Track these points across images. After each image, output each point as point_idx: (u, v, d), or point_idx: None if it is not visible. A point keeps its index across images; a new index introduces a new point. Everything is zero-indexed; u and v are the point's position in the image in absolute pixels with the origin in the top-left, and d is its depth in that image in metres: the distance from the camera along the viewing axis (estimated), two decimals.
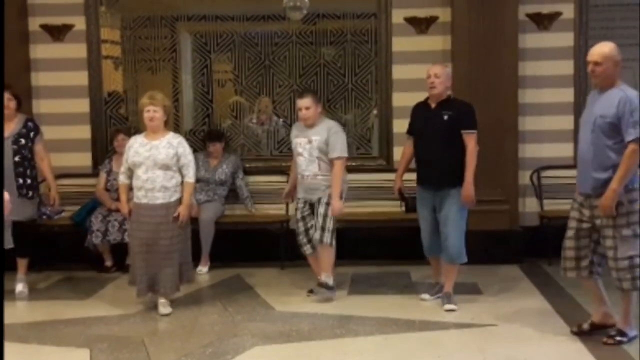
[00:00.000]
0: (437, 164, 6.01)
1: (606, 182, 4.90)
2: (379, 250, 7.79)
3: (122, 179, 6.28)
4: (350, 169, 7.54)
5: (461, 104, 6.15)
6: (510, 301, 6.31)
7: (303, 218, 6.48)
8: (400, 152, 6.57)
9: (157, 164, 6.03)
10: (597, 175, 4.94)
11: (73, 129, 8.09)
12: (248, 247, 7.89)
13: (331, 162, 6.33)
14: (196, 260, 7.35)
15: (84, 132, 8.15)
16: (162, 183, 6.03)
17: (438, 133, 6.01)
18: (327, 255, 6.40)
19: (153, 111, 6.09)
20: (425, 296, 6.31)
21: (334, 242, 6.36)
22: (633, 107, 4.83)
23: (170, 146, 6.09)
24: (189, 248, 6.31)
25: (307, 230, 6.47)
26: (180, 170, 6.12)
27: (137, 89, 8.17)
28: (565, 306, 6.01)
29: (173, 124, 7.93)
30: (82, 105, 8.13)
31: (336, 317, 5.93)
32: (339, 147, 6.34)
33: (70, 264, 7.70)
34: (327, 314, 6.01)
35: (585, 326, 5.25)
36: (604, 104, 4.96)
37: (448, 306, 6.01)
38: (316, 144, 6.33)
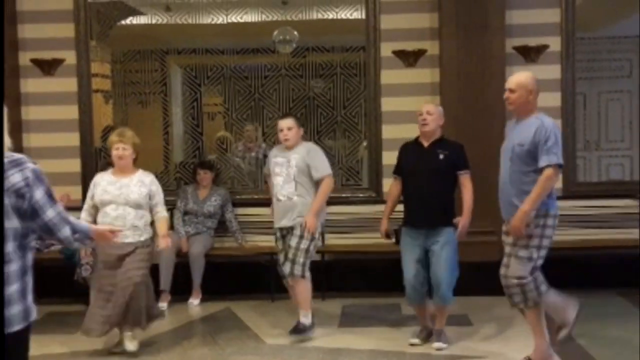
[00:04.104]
0: (430, 202, 5.86)
1: None
2: (369, 283, 7.79)
3: (84, 216, 5.83)
4: (339, 201, 7.58)
5: (454, 144, 6.06)
6: (500, 332, 6.32)
7: (283, 249, 6.36)
8: (390, 184, 6.55)
9: (129, 202, 5.84)
10: (516, 202, 5.01)
11: (63, 163, 8.06)
12: (238, 279, 7.87)
13: (317, 184, 6.25)
14: (187, 293, 7.37)
15: (74, 165, 8.16)
16: (132, 222, 5.81)
17: (432, 172, 5.89)
18: (301, 290, 6.21)
19: (122, 149, 5.92)
20: (415, 341, 6.05)
21: (307, 274, 6.19)
22: (547, 135, 4.94)
23: (143, 184, 5.94)
24: (151, 285, 6.08)
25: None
26: (150, 209, 5.96)
27: (127, 122, 8.19)
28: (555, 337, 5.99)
29: (163, 156, 7.97)
30: (72, 139, 8.16)
31: (326, 350, 5.92)
32: (321, 165, 6.28)
33: (60, 298, 7.65)
34: (317, 347, 5.99)
35: None
36: (521, 133, 5.06)
37: (437, 344, 5.86)
38: (294, 162, 6.24)
